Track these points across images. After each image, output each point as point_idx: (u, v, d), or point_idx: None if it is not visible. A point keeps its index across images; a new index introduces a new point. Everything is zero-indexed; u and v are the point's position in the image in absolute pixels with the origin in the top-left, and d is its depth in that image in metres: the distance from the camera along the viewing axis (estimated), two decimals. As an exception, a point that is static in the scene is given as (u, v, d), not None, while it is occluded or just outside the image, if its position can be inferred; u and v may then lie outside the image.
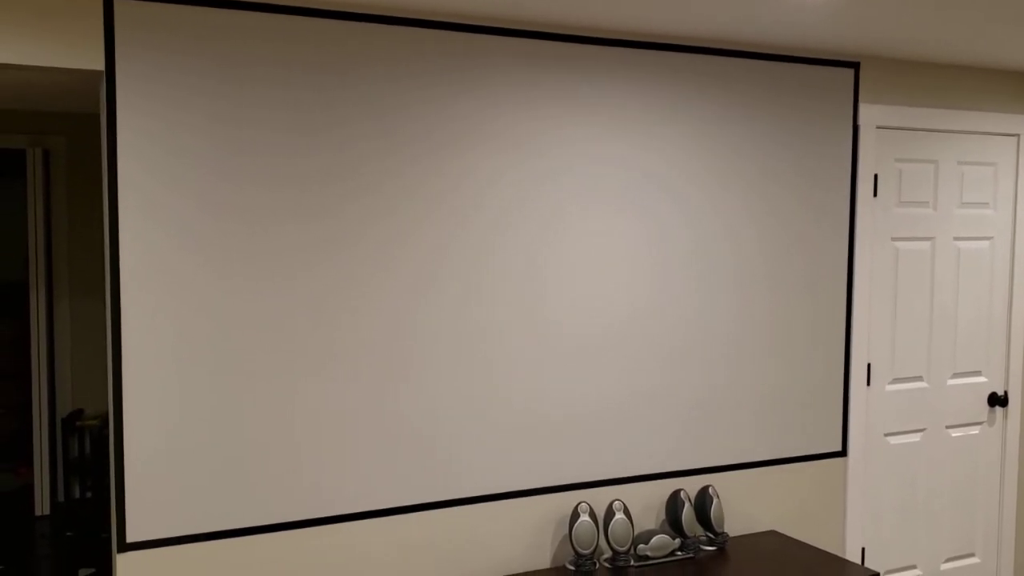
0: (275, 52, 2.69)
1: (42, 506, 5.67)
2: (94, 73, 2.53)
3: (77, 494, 5.79)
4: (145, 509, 2.61)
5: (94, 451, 5.59)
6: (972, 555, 4.12)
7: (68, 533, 5.36)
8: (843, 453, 3.73)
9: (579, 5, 2.77)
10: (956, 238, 3.96)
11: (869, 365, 3.78)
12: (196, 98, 2.60)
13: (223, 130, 2.64)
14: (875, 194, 3.74)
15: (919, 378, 3.92)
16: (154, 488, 2.62)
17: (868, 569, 3.17)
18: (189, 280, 2.63)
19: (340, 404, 2.83)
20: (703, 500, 3.33)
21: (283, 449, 2.76)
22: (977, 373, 4.07)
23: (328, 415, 2.81)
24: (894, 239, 3.81)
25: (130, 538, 2.60)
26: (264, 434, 2.74)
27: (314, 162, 2.75)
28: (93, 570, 4.82)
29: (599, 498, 3.24)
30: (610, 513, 3.14)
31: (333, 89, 2.76)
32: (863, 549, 3.82)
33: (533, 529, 3.14)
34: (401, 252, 2.88)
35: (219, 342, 2.67)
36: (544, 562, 3.17)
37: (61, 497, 5.78)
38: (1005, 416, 4.15)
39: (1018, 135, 4.06)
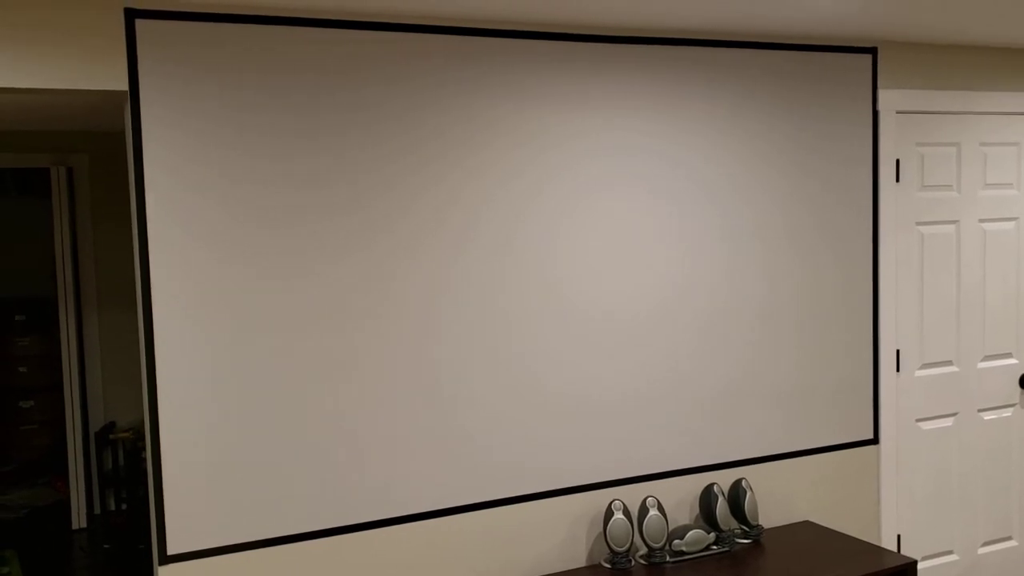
0: (293, 61, 2.71)
1: (79, 519, 5.74)
2: (119, 93, 2.56)
3: (113, 506, 5.86)
4: (185, 520, 2.64)
5: (127, 463, 5.64)
6: (1009, 538, 4.09)
7: (106, 545, 5.42)
8: (875, 441, 3.72)
9: (598, 6, 2.77)
10: (981, 220, 3.93)
11: (898, 351, 3.76)
12: (219, 108, 2.63)
13: (248, 138, 2.66)
14: (897, 179, 3.72)
15: (949, 362, 3.90)
16: (193, 499, 2.65)
17: (905, 556, 3.16)
18: (219, 286, 2.65)
19: (376, 406, 2.85)
20: (736, 493, 3.33)
21: (322, 453, 2.79)
22: (1008, 355, 4.04)
23: (364, 418, 2.84)
24: (918, 224, 3.79)
25: (171, 550, 2.63)
26: (304, 438, 2.76)
27: (338, 162, 2.77)
28: (132, 581, 4.87)
29: (633, 495, 3.25)
30: (644, 510, 3.15)
31: (355, 93, 2.78)
32: (899, 536, 3.81)
33: (568, 528, 3.15)
34: (429, 243, 2.90)
35: (252, 346, 2.70)
36: (580, 560, 3.18)
37: (97, 510, 5.85)
38: (1037, 397, 4.12)
39: (1040, 114, 4.02)
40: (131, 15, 2.52)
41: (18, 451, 6.32)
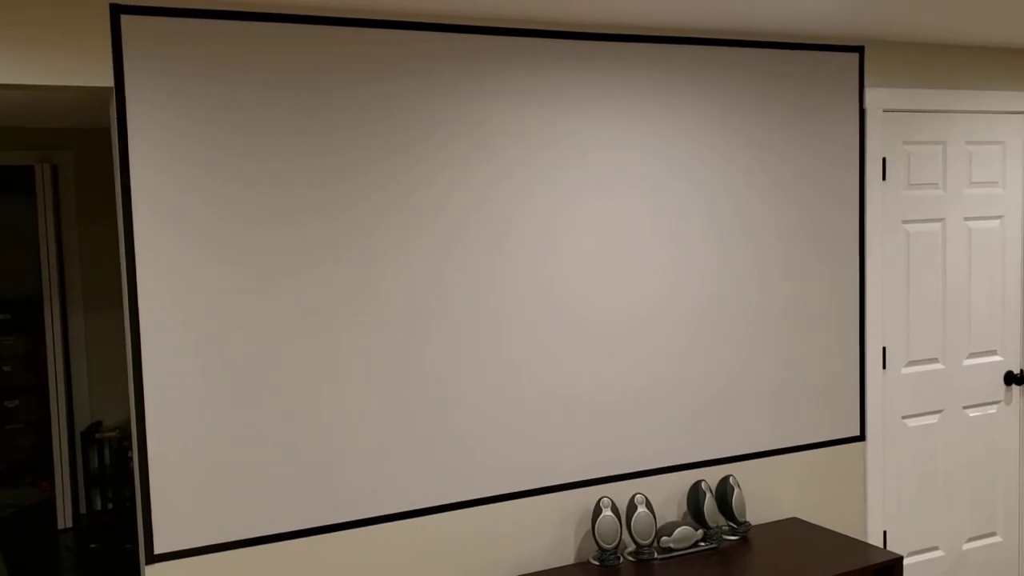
0: (280, 58, 2.70)
1: (65, 519, 5.71)
2: (104, 90, 2.55)
3: (99, 506, 5.83)
4: (172, 519, 2.63)
5: (113, 463, 5.62)
6: (994, 534, 4.12)
7: (92, 545, 5.39)
8: (861, 437, 3.73)
9: (589, 4, 2.77)
10: (966, 218, 3.95)
11: (884, 348, 3.78)
12: (205, 107, 2.62)
13: (236, 137, 2.65)
14: (884, 178, 3.74)
15: (934, 360, 3.92)
16: (180, 498, 2.64)
17: (891, 552, 3.18)
18: (206, 284, 2.64)
19: (365, 406, 2.84)
20: (724, 490, 3.34)
21: (309, 453, 2.78)
22: (992, 352, 4.06)
23: (352, 418, 2.83)
24: (904, 222, 3.80)
25: (158, 549, 2.62)
26: (290, 437, 2.75)
27: (328, 162, 2.77)
28: (118, 581, 4.85)
29: (621, 492, 3.25)
30: (632, 507, 3.15)
31: (342, 92, 2.77)
32: (885, 532, 3.83)
33: (557, 525, 3.16)
34: (419, 243, 2.90)
35: (239, 346, 2.69)
36: (568, 557, 3.18)
37: (83, 510, 5.82)
38: (1022, 394, 4.14)
39: (1025, 112, 4.05)
40: (116, 11, 2.51)
41: (3, 451, 6.28)
